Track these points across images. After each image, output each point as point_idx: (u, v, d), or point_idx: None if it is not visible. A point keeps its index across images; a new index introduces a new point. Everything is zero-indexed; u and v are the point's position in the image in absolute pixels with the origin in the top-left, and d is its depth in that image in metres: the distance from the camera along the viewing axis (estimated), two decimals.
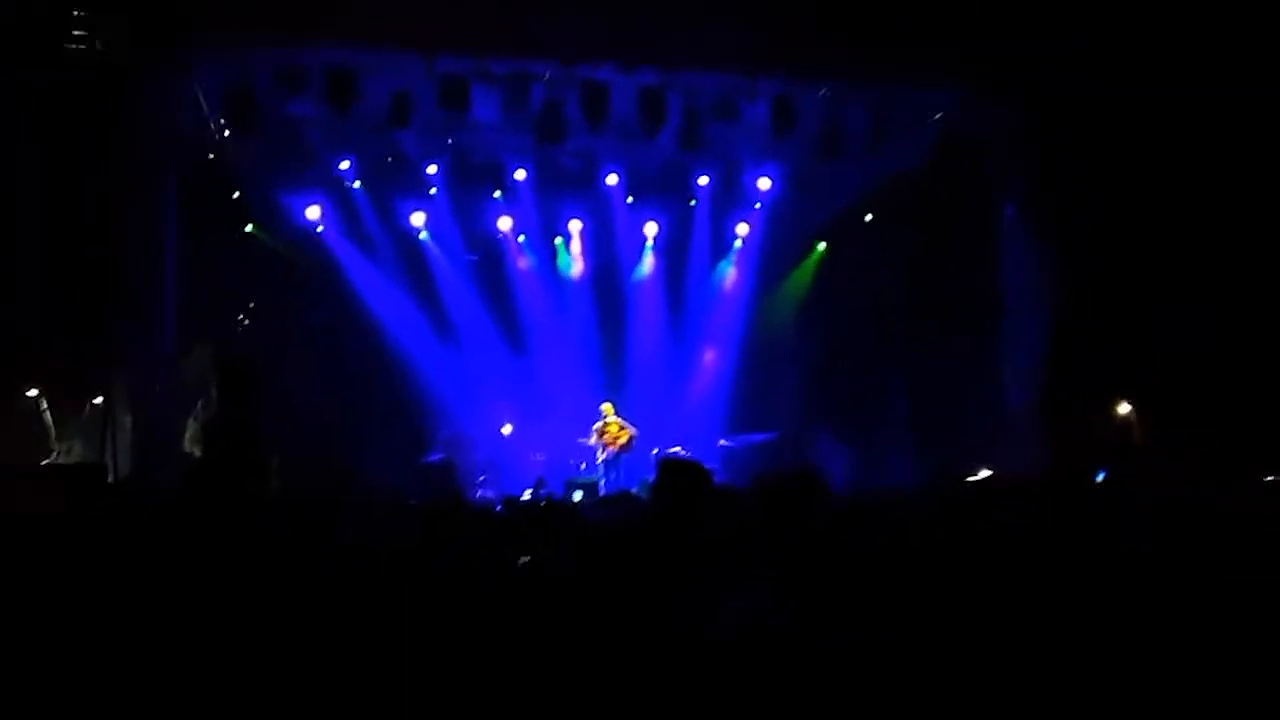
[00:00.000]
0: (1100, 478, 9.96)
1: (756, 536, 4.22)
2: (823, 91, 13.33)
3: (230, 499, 4.95)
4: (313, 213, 16.14)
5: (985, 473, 13.11)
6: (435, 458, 15.93)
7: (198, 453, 12.74)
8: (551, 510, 6.03)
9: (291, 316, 15.95)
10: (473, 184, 16.37)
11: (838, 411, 16.55)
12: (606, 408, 16.42)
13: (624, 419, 16.41)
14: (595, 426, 16.36)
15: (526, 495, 14.48)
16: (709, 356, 18.14)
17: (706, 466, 4.70)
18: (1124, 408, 12.00)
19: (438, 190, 16.47)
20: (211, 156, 13.89)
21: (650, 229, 17.79)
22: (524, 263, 17.86)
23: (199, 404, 13.53)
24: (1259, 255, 11.24)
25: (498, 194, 16.87)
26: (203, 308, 13.74)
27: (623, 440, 16.26)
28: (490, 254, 17.77)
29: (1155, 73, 11.05)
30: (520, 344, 17.79)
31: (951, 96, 13.28)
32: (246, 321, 15.44)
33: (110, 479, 10.27)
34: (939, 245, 14.93)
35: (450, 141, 15.31)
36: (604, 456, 16.24)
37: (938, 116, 13.85)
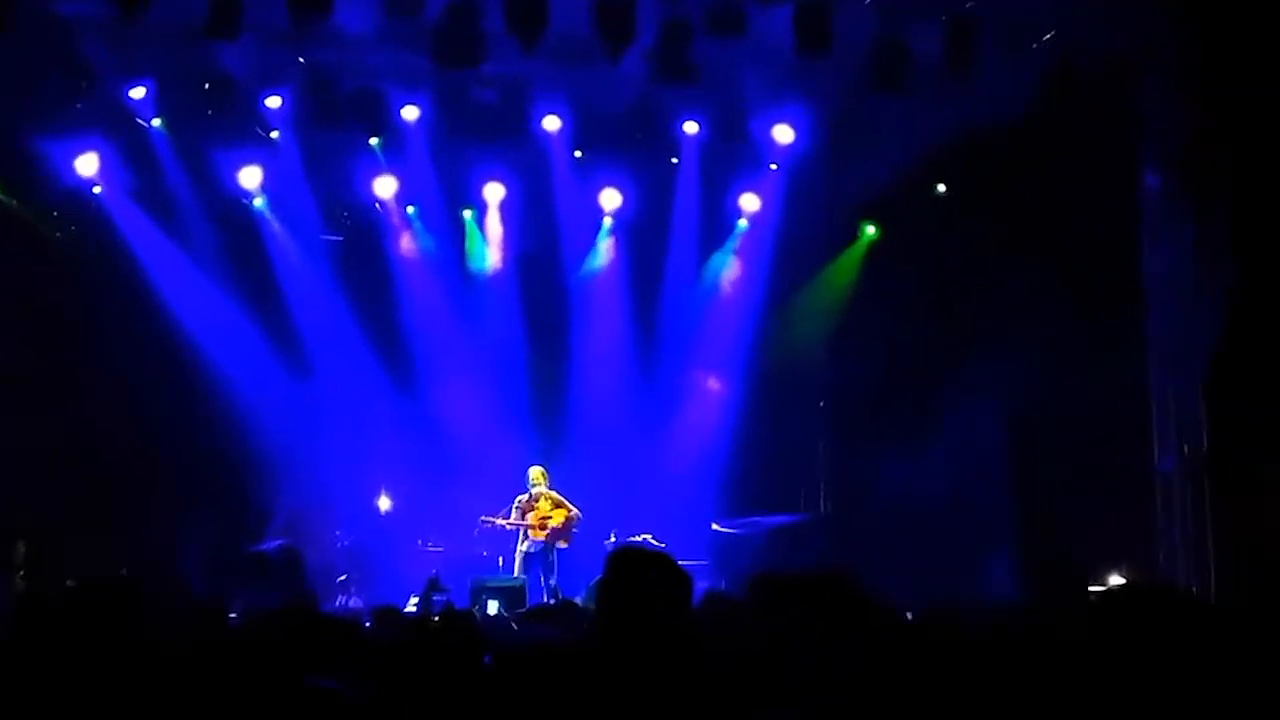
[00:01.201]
0: None
1: (760, 672, 4.17)
2: None
3: None
4: (87, 165, 15.99)
5: (1117, 580, 13.11)
6: (272, 545, 15.71)
7: None
8: (452, 628, 5.93)
9: (52, 322, 15.78)
10: (337, 126, 16.25)
11: (893, 480, 16.52)
12: (536, 474, 16.34)
13: (562, 494, 16.35)
14: (518, 500, 16.30)
15: (412, 604, 14.31)
16: (713, 385, 18.25)
17: (684, 563, 4.62)
18: None
19: (281, 135, 16.41)
20: None
21: (609, 200, 17.82)
22: (413, 247, 17.85)
23: None
24: None
25: (374, 142, 16.83)
26: None
27: (556, 524, 16.16)
28: (362, 233, 17.70)
29: None
30: (406, 373, 17.71)
31: (1073, 2, 13.40)
32: None
33: None
34: (1048, 230, 15.03)
35: (302, 61, 15.21)
36: (526, 547, 16.23)
37: (1049, 36, 13.94)
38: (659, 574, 4.39)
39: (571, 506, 16.29)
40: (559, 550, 16.23)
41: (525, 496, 16.31)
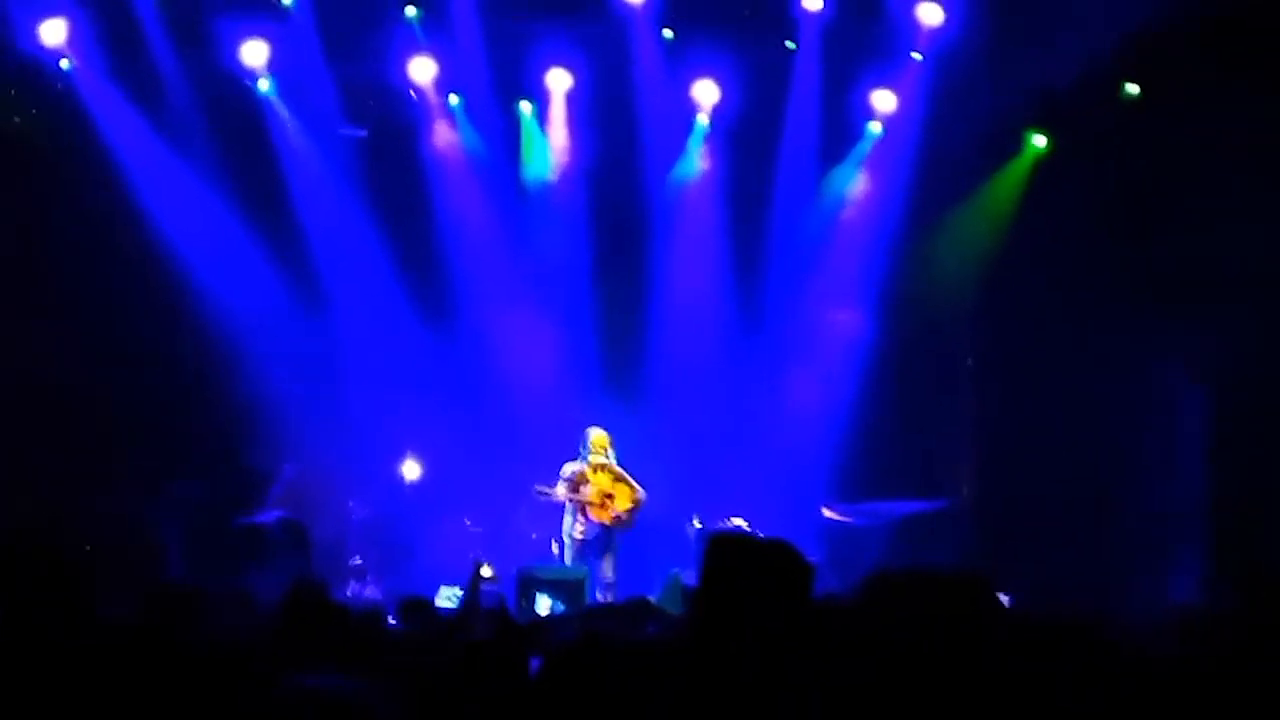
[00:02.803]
0: None
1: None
2: None
3: None
4: (53, 32, 15.95)
5: None
6: (270, 517, 15.80)
7: None
8: (498, 629, 5.93)
9: (2, 226, 15.88)
10: None
11: (1057, 460, 16.37)
12: (599, 438, 16.16)
13: (624, 467, 16.23)
14: (569, 470, 16.15)
15: (447, 597, 14.35)
16: (843, 318, 18.03)
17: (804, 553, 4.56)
18: None
19: (295, 2, 16.42)
20: None
21: (705, 93, 17.67)
22: (454, 144, 17.81)
23: None
24: None
25: (411, 13, 16.80)
26: None
27: (622, 505, 16.10)
28: (392, 128, 17.65)
29: None
30: (442, 306, 17.72)
31: None
32: None
33: None
34: (1272, 148, 14.79)
35: None
36: (581, 531, 16.13)
37: None
38: (776, 562, 4.33)
39: (635, 484, 16.13)
40: (618, 535, 16.09)
41: (578, 467, 16.07)
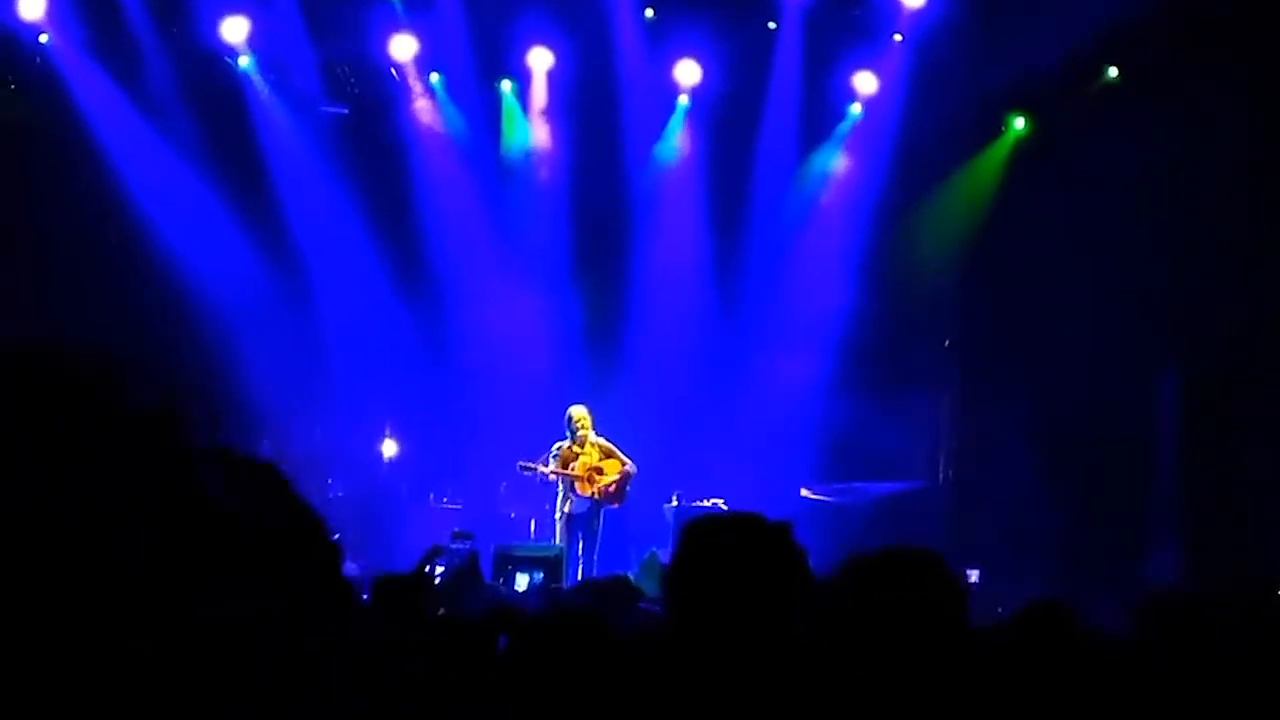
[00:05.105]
0: None
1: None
2: None
3: None
4: (31, 6, 15.92)
5: None
6: None
7: None
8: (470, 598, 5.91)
9: None
10: None
11: (1034, 442, 16.37)
12: (580, 415, 16.06)
13: (612, 441, 16.23)
14: (557, 448, 16.08)
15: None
16: (823, 299, 17.88)
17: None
18: None
19: None
20: None
21: (686, 74, 17.66)
22: (435, 123, 17.78)
23: None
24: None
25: None
26: None
27: (609, 479, 16.04)
28: (372, 106, 17.64)
29: None
30: (422, 285, 17.70)
31: None
32: None
33: None
34: (1246, 133, 14.74)
35: None
36: (569, 506, 16.11)
37: None
38: (764, 542, 4.28)
39: (625, 458, 16.13)
40: (605, 511, 16.05)
41: (566, 443, 15.95)
